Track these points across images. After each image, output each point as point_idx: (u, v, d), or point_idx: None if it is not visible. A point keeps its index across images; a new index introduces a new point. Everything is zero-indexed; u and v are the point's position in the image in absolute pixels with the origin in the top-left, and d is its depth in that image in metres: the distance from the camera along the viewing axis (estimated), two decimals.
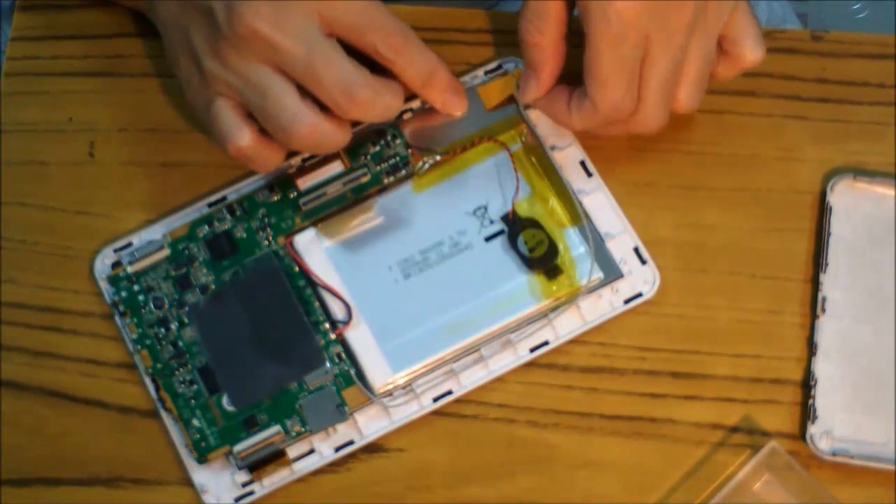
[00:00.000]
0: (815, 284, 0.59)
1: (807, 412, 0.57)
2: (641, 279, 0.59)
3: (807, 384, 0.58)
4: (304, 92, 0.55)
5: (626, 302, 0.59)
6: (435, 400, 0.58)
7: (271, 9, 0.54)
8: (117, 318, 0.59)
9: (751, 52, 0.57)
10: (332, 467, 0.58)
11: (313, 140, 0.55)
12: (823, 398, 0.57)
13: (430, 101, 0.59)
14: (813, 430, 0.57)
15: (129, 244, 0.60)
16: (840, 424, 0.57)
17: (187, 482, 0.57)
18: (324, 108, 0.55)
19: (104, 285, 0.60)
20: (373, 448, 0.58)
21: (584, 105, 0.57)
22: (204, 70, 0.56)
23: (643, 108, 0.57)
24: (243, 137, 0.56)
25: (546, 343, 0.58)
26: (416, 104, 0.61)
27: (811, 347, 0.58)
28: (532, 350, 0.58)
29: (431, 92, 0.58)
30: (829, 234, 0.59)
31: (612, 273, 0.59)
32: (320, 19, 0.55)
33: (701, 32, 0.56)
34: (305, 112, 0.55)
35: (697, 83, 0.58)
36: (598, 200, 0.60)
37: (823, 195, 0.60)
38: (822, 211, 0.60)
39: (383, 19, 0.56)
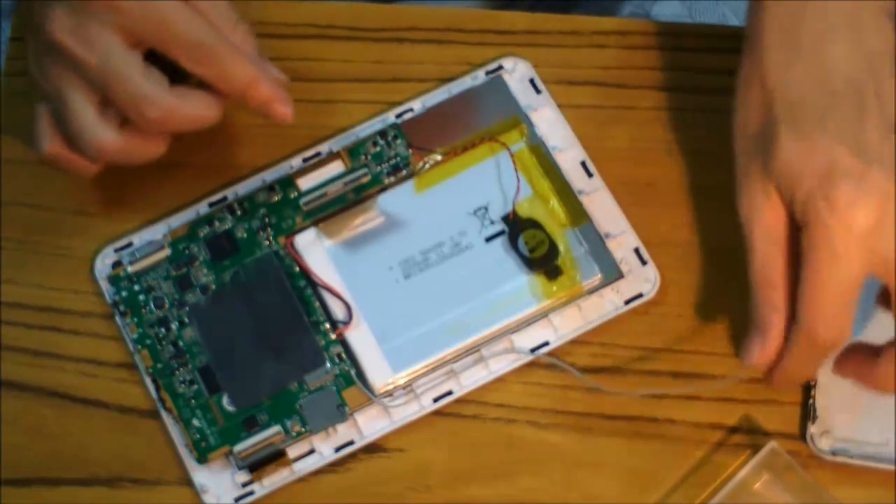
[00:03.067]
0: None
1: (807, 412, 0.57)
2: (642, 279, 0.59)
3: (807, 384, 0.58)
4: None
5: (627, 302, 0.59)
6: (435, 400, 0.58)
7: (71, 19, 0.53)
8: (117, 318, 0.59)
9: None
10: (332, 467, 0.58)
11: (114, 156, 0.55)
12: (823, 398, 0.57)
13: (252, 110, 0.56)
14: (813, 429, 0.57)
15: (130, 244, 0.60)
16: (840, 424, 0.57)
17: (187, 482, 0.57)
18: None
19: (104, 285, 0.60)
20: (373, 448, 0.58)
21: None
22: (31, 76, 0.56)
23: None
24: (44, 145, 0.56)
25: (546, 343, 0.58)
26: (416, 105, 0.62)
27: None
28: (532, 350, 0.58)
29: (251, 103, 0.55)
30: None
31: (612, 273, 0.59)
32: (120, 31, 0.53)
33: None
34: (102, 129, 0.54)
35: None
36: (599, 200, 0.60)
37: None
38: None
39: (183, 31, 0.54)
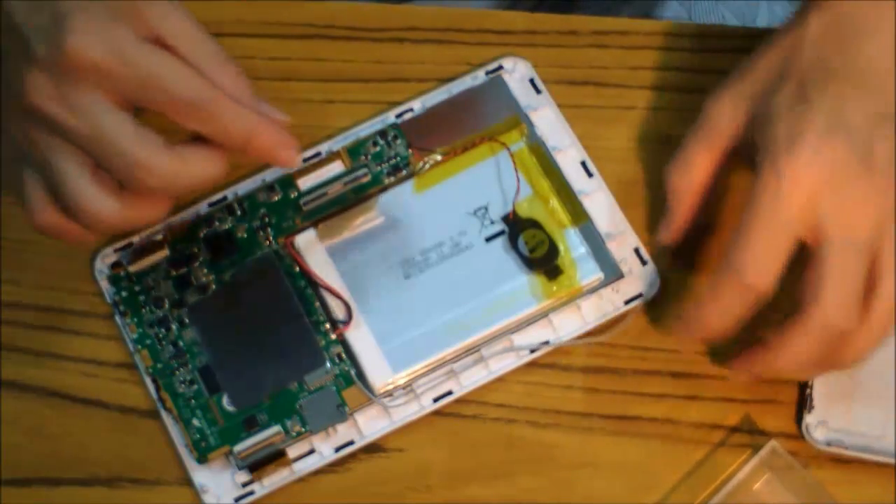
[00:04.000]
0: None
1: (803, 402, 0.57)
2: (642, 279, 0.59)
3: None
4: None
5: (627, 302, 0.59)
6: (435, 400, 0.58)
7: (52, 83, 0.49)
8: (117, 318, 0.59)
9: None
10: (332, 467, 0.58)
11: (117, 224, 0.51)
12: (821, 388, 0.57)
13: (256, 160, 0.54)
14: (809, 419, 0.57)
15: (130, 244, 0.60)
16: (837, 415, 0.57)
17: (187, 482, 0.57)
18: None
19: (104, 285, 0.60)
20: (373, 448, 0.58)
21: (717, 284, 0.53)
22: (10, 140, 0.52)
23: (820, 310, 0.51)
24: (37, 217, 0.52)
25: (546, 343, 0.58)
26: (416, 105, 0.62)
27: None
28: (532, 350, 0.58)
29: (254, 153, 0.52)
30: None
31: (612, 273, 0.59)
32: (105, 93, 0.50)
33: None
34: (99, 197, 0.51)
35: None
36: (599, 200, 0.60)
37: None
38: None
39: (172, 87, 0.50)
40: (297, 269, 0.59)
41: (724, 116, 0.55)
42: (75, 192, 0.50)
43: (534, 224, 0.59)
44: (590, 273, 0.59)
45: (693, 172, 0.56)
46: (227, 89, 0.51)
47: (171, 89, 0.50)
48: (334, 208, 0.60)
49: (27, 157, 0.52)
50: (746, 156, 0.54)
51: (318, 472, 0.58)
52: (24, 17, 0.51)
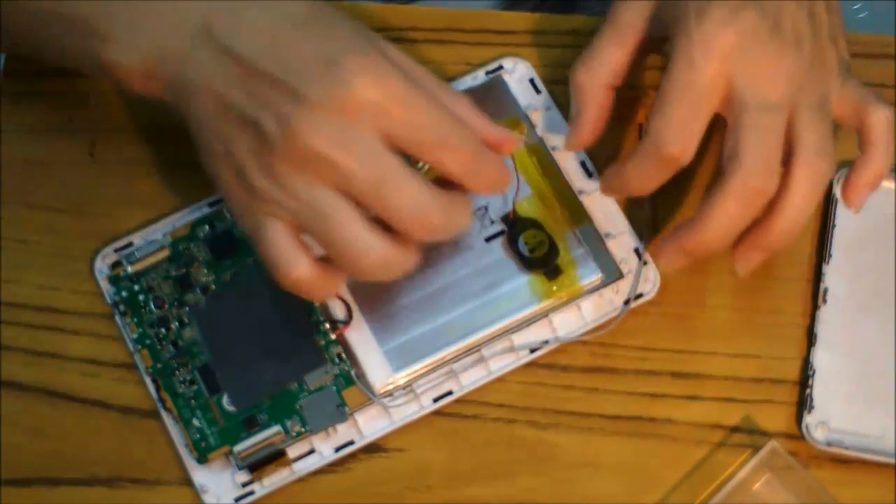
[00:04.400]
0: (818, 275, 0.59)
1: (803, 402, 0.57)
2: (642, 279, 0.59)
3: (805, 376, 0.58)
4: (370, 214, 0.50)
5: (627, 302, 0.59)
6: (435, 400, 0.58)
7: (332, 126, 0.49)
8: (118, 318, 0.59)
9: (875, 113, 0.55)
10: (332, 467, 0.58)
11: (383, 271, 0.51)
12: (821, 388, 0.57)
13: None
14: (809, 419, 0.57)
15: (130, 244, 0.60)
16: (837, 415, 0.57)
17: (187, 482, 0.57)
18: (388, 227, 0.51)
19: (104, 285, 0.60)
20: (373, 448, 0.58)
21: (640, 148, 0.54)
22: (254, 189, 0.50)
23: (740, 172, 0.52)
24: (300, 267, 0.51)
25: (546, 343, 0.58)
26: None
27: (811, 338, 0.58)
28: (532, 350, 0.58)
29: (497, 191, 0.55)
30: (833, 226, 0.59)
31: (612, 273, 0.59)
32: (383, 135, 0.49)
33: (809, 89, 0.53)
34: (375, 242, 0.50)
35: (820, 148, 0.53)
36: (599, 201, 0.60)
37: (829, 187, 0.60)
38: (828, 202, 0.60)
39: (451, 135, 0.51)
40: None
41: (631, 9, 0.56)
42: (349, 236, 0.50)
43: (534, 224, 0.59)
44: (590, 273, 0.59)
45: (602, 68, 0.56)
46: (477, 130, 0.52)
47: (450, 141, 0.50)
48: None
49: (271, 210, 0.50)
50: (657, 48, 0.55)
51: (318, 472, 0.58)
52: (276, 62, 0.49)
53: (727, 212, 0.52)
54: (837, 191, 0.59)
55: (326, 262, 0.52)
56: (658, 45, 0.56)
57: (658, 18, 0.55)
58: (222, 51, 0.50)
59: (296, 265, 0.51)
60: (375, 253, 0.50)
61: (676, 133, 0.53)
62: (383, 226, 0.51)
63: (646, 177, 0.55)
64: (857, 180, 0.55)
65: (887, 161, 0.55)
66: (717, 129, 0.56)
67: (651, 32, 0.56)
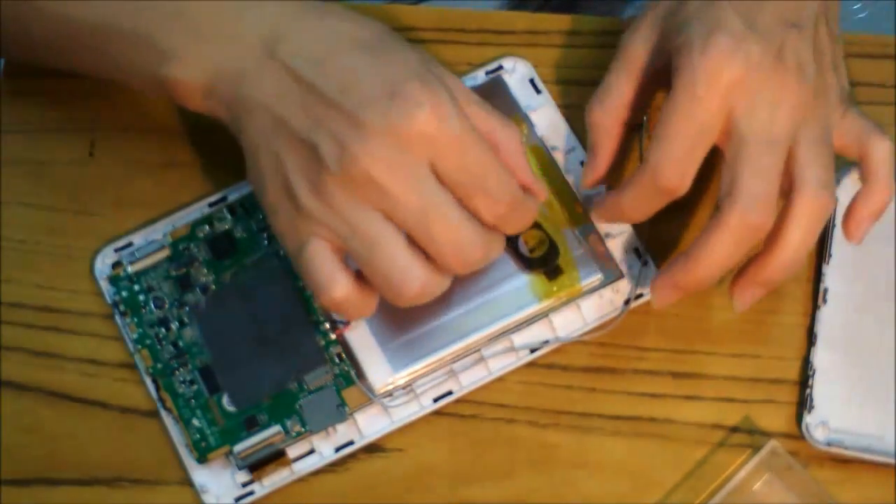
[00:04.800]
0: (818, 275, 0.59)
1: (803, 402, 0.57)
2: (642, 279, 0.59)
3: (805, 375, 0.58)
4: (411, 241, 0.52)
5: (627, 302, 0.59)
6: (435, 400, 0.58)
7: (388, 153, 0.50)
8: (118, 318, 0.59)
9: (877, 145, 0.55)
10: (332, 467, 0.58)
11: (421, 297, 0.52)
12: (821, 388, 0.57)
13: None
14: (809, 419, 0.57)
15: (130, 244, 0.60)
16: (837, 415, 0.57)
17: (187, 482, 0.57)
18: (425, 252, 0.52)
19: (104, 285, 0.60)
20: (373, 448, 0.58)
21: (638, 175, 0.54)
22: (302, 208, 0.51)
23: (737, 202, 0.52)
24: (343, 288, 0.52)
25: (546, 343, 0.58)
26: None
27: (811, 338, 0.58)
28: (532, 350, 0.58)
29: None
30: (833, 226, 0.59)
31: (612, 273, 0.59)
32: (433, 169, 0.51)
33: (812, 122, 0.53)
34: (416, 269, 0.51)
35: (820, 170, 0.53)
36: None
37: None
38: None
39: (493, 185, 0.52)
40: None
41: (638, 41, 0.56)
42: (395, 264, 0.51)
43: (534, 224, 0.59)
44: (590, 273, 0.59)
45: (615, 105, 0.56)
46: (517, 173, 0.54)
47: (490, 191, 0.51)
48: None
49: (317, 230, 0.51)
50: (667, 80, 0.54)
51: (317, 472, 0.58)
52: (337, 85, 0.50)
53: (722, 247, 0.52)
54: (837, 191, 0.59)
55: (362, 280, 0.53)
56: (667, 80, 0.55)
57: (662, 50, 0.55)
58: (284, 70, 0.51)
59: (339, 286, 0.52)
60: (417, 282, 0.51)
61: (675, 166, 0.53)
62: (421, 250, 0.52)
63: (641, 206, 0.55)
64: (860, 212, 0.55)
65: (889, 193, 0.55)
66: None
67: (656, 64, 0.56)
